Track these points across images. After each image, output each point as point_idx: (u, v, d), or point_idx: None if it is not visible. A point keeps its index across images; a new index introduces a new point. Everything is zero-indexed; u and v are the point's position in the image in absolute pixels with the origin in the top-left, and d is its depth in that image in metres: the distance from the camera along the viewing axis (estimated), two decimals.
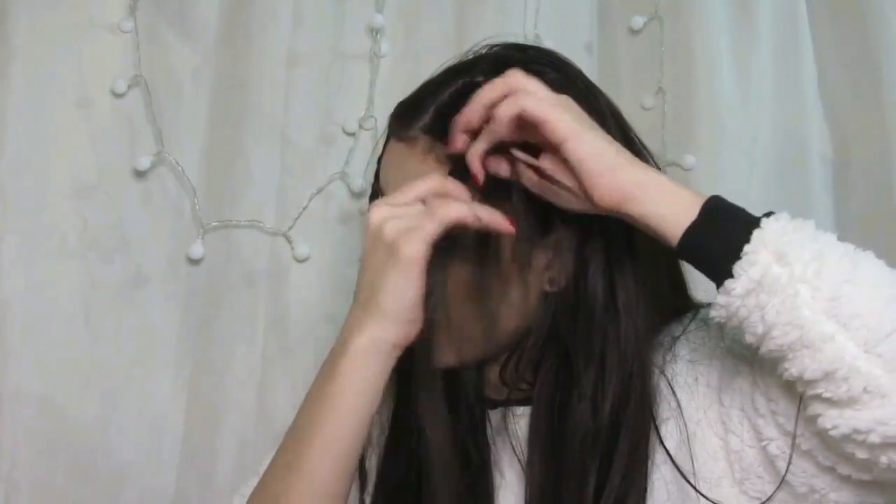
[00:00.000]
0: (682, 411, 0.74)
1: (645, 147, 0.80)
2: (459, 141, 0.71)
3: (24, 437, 0.97)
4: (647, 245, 0.73)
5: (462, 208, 0.68)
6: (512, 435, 0.78)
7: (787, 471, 0.67)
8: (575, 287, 0.73)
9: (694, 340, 0.77)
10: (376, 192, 0.81)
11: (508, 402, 0.79)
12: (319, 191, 1.06)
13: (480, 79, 0.75)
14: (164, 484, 1.01)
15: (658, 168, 0.78)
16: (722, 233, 0.64)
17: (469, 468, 0.78)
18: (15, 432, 0.96)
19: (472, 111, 0.69)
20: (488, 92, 0.69)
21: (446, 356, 0.76)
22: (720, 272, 0.63)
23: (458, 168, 0.72)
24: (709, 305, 0.72)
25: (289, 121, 1.06)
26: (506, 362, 0.77)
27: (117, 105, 1.02)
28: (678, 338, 0.78)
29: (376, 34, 1.09)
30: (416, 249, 0.66)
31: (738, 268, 0.62)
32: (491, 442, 0.80)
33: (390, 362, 0.69)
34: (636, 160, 0.68)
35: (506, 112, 0.67)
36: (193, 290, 1.04)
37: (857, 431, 0.60)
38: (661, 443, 0.73)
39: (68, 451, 0.99)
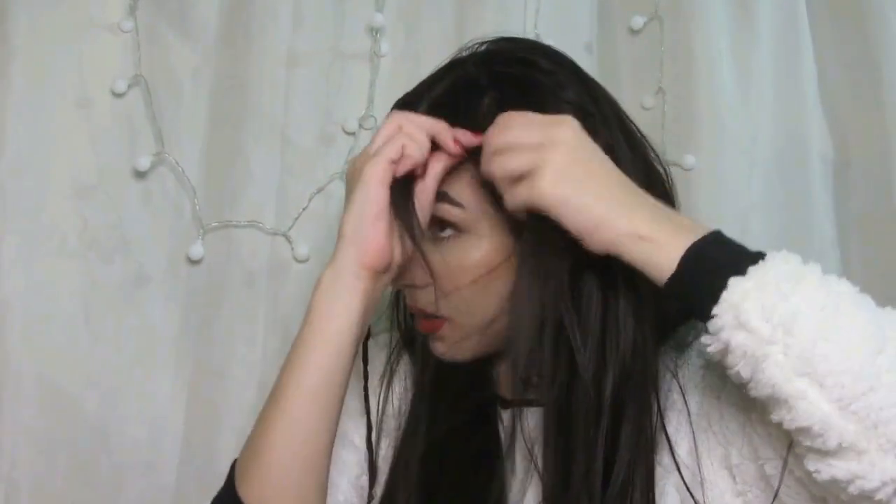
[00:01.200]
0: (691, 418, 0.75)
1: (644, 137, 0.81)
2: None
3: (24, 437, 0.96)
4: None
5: (417, 127, 0.72)
6: (525, 435, 0.78)
7: (776, 494, 0.68)
8: (573, 273, 0.74)
9: (703, 348, 0.77)
10: None
11: (520, 403, 0.79)
12: (319, 191, 1.06)
13: (472, 70, 0.77)
14: (164, 484, 1.01)
15: (657, 157, 0.79)
16: (697, 290, 0.64)
17: (481, 465, 0.78)
18: (15, 432, 0.96)
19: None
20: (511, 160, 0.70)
21: (454, 348, 0.76)
22: (701, 324, 0.65)
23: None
24: None
25: (289, 121, 1.06)
26: (513, 354, 0.77)
27: (117, 105, 1.02)
28: (690, 343, 0.79)
29: (376, 34, 1.09)
30: (373, 168, 0.70)
31: (711, 327, 0.63)
32: (504, 440, 0.80)
33: (358, 282, 0.71)
34: (621, 201, 0.68)
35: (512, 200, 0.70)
36: (193, 290, 1.04)
37: (836, 480, 0.61)
38: (670, 446, 0.74)
39: (68, 451, 0.98)
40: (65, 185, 1.00)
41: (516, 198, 0.69)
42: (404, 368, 0.87)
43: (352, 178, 0.74)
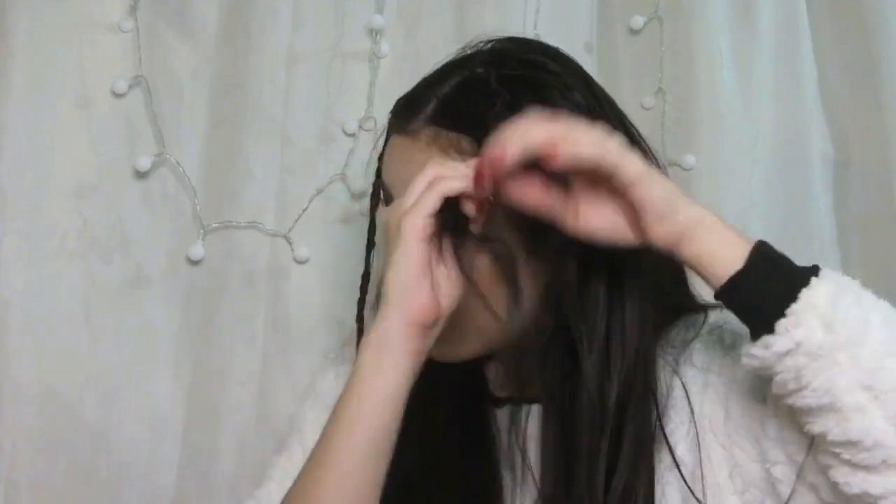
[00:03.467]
0: (693, 416, 0.74)
1: (643, 139, 0.81)
2: (485, 185, 0.67)
3: (24, 437, 0.96)
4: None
5: (461, 182, 0.67)
6: (521, 433, 0.78)
7: (788, 500, 0.67)
8: (580, 280, 0.73)
9: (706, 346, 0.77)
10: (378, 191, 0.81)
11: (517, 401, 0.79)
12: (319, 191, 1.06)
13: (480, 70, 0.75)
14: (164, 484, 1.01)
15: (659, 165, 0.78)
16: (768, 286, 0.63)
17: (476, 464, 0.78)
18: (15, 432, 0.96)
19: (510, 154, 0.65)
20: (534, 134, 0.65)
21: (451, 349, 0.76)
22: (760, 324, 0.63)
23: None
24: (719, 308, 0.73)
25: (289, 121, 1.06)
26: (514, 358, 0.77)
27: (117, 105, 1.02)
28: (691, 341, 0.78)
29: (376, 34, 1.09)
30: (412, 222, 0.67)
31: (780, 326, 0.61)
32: (499, 440, 0.80)
33: (406, 343, 0.69)
34: (687, 194, 0.67)
35: (576, 155, 0.64)
36: (193, 290, 1.04)
37: (867, 494, 0.60)
38: (669, 447, 0.73)
39: (68, 451, 0.98)
40: (65, 185, 1.00)
41: (581, 147, 0.64)
42: None
43: (389, 233, 0.70)
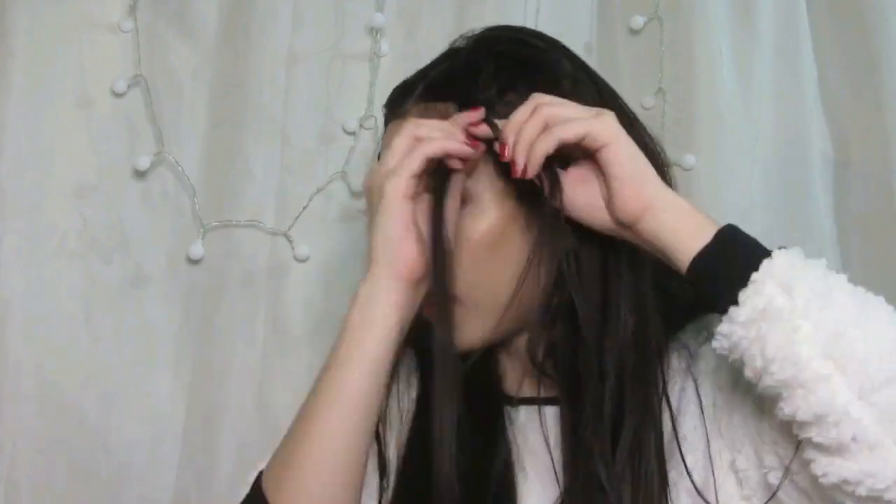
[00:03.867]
0: (705, 421, 0.75)
1: (639, 122, 0.81)
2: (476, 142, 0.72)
3: (24, 437, 0.96)
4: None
5: (443, 142, 0.70)
6: (544, 432, 0.77)
7: (773, 494, 0.67)
8: (577, 251, 0.74)
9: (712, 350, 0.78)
10: None
11: (531, 401, 0.79)
12: (319, 190, 1.06)
13: (468, 51, 0.78)
14: (164, 484, 1.01)
15: (663, 155, 0.79)
16: (732, 260, 0.64)
17: (491, 466, 0.78)
18: (15, 432, 0.96)
19: (518, 156, 0.69)
20: (520, 114, 0.70)
21: (464, 334, 0.75)
22: (725, 299, 0.63)
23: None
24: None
25: (289, 120, 1.06)
26: (528, 345, 0.77)
27: (117, 105, 1.02)
28: (700, 344, 0.78)
29: (376, 34, 1.09)
30: (395, 184, 0.69)
31: (743, 295, 0.62)
32: (512, 439, 0.79)
33: (394, 296, 0.70)
34: (659, 177, 0.69)
35: (561, 132, 0.68)
36: (193, 289, 1.04)
37: (846, 482, 0.60)
38: (682, 455, 0.73)
39: (68, 451, 0.99)
40: (65, 185, 1.00)
41: (568, 128, 0.67)
42: (401, 368, 0.86)
43: (372, 195, 0.72)
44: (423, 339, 0.75)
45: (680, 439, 0.74)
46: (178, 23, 1.04)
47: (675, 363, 0.77)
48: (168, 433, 1.02)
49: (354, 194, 1.07)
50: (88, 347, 1.00)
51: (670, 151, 1.16)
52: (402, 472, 0.81)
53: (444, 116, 0.74)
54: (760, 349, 0.61)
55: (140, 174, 1.02)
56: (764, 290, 0.61)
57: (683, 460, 0.73)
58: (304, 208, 1.05)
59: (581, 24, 1.17)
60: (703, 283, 0.65)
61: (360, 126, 1.08)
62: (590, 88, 0.77)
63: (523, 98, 0.71)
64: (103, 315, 1.01)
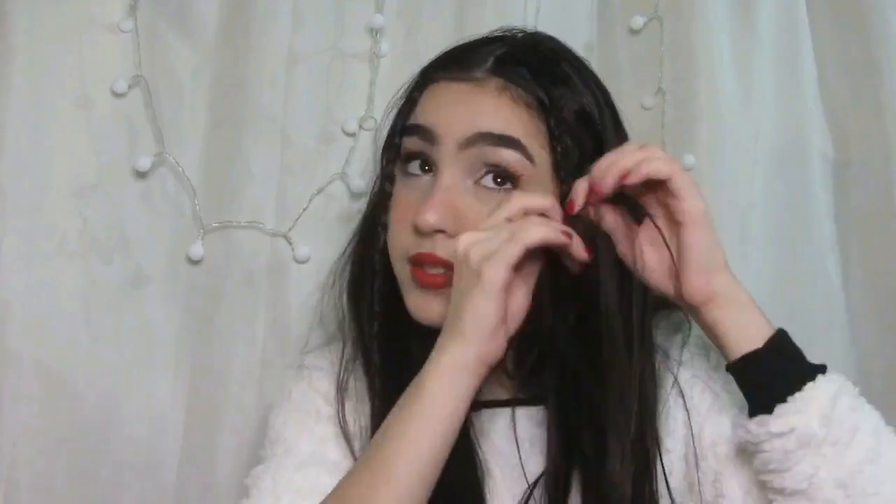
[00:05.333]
0: (691, 424, 0.78)
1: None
2: (580, 198, 0.72)
3: (23, 437, 0.97)
4: None
5: (545, 231, 0.69)
6: (516, 434, 0.79)
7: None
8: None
9: (693, 357, 0.81)
10: (399, 142, 0.80)
11: (495, 404, 0.81)
12: (319, 191, 1.06)
13: (523, 45, 0.80)
14: (164, 484, 1.01)
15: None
16: (777, 372, 0.69)
17: (460, 470, 0.78)
18: (15, 432, 0.96)
19: (607, 175, 0.71)
20: (627, 158, 0.70)
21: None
22: (760, 403, 0.68)
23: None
24: None
25: (289, 120, 1.06)
26: (515, 358, 0.78)
27: (117, 105, 1.02)
28: (683, 347, 0.81)
29: (376, 34, 1.09)
30: (496, 272, 0.68)
31: (780, 409, 0.67)
32: (476, 442, 0.81)
33: (474, 379, 0.70)
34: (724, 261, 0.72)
35: (652, 169, 0.69)
36: (193, 290, 1.04)
37: None
38: (667, 482, 0.76)
39: (68, 451, 0.99)
40: (65, 185, 1.00)
41: (653, 162, 0.69)
42: (353, 384, 0.86)
43: (463, 263, 0.70)
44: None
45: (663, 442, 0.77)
46: (178, 23, 1.04)
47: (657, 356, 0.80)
48: (168, 433, 1.02)
49: (354, 195, 1.07)
50: (88, 347, 1.00)
51: (670, 151, 1.16)
52: None
53: (527, 103, 0.75)
54: (781, 460, 0.67)
55: (140, 174, 1.02)
56: (804, 412, 0.66)
57: (669, 489, 0.76)
58: (305, 209, 1.05)
59: (581, 24, 1.17)
60: (744, 381, 0.71)
61: (360, 127, 1.08)
62: (607, 116, 0.80)
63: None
64: (103, 315, 1.01)
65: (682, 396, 0.78)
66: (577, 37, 1.15)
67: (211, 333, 1.03)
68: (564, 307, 0.75)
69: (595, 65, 1.16)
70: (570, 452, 0.76)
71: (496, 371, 0.73)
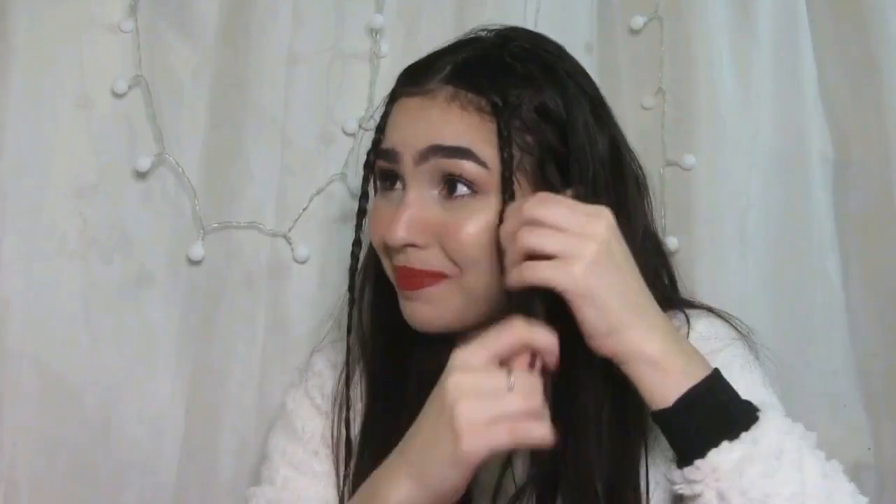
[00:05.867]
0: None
1: (630, 150, 0.83)
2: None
3: (23, 437, 0.97)
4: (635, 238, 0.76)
5: (543, 431, 0.65)
6: None
7: None
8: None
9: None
10: (372, 161, 0.81)
11: None
12: (319, 191, 1.06)
13: (492, 45, 0.79)
14: (164, 484, 1.01)
15: (642, 171, 0.82)
16: (685, 434, 0.67)
17: None
18: (15, 432, 0.96)
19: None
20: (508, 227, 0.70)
21: (439, 310, 0.77)
22: (678, 457, 0.68)
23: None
24: (696, 307, 0.79)
25: (289, 121, 1.06)
26: None
27: (117, 105, 1.02)
28: None
29: (376, 34, 1.09)
30: (476, 452, 0.64)
31: (688, 472, 0.66)
32: None
33: (463, 483, 0.67)
34: (640, 313, 0.69)
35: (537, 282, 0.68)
36: (193, 290, 1.04)
37: None
38: (645, 457, 0.76)
39: (68, 451, 0.99)
40: (65, 185, 1.00)
41: (536, 273, 0.67)
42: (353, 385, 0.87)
43: (450, 413, 0.65)
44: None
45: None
46: (178, 23, 1.04)
47: None
48: (168, 433, 1.02)
49: (354, 195, 1.07)
50: (88, 347, 1.00)
51: (670, 151, 1.17)
52: (359, 456, 0.83)
53: (478, 106, 0.75)
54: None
55: (140, 174, 1.02)
56: (703, 481, 0.65)
57: (646, 458, 0.76)
58: (304, 209, 1.05)
59: (581, 24, 1.17)
60: (664, 431, 0.69)
61: (360, 127, 1.08)
62: (584, 107, 0.78)
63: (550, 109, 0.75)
64: (103, 315, 1.01)
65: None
66: (576, 37, 1.16)
67: (211, 333, 1.03)
68: None
69: (595, 65, 1.17)
70: (555, 460, 0.75)
71: None
